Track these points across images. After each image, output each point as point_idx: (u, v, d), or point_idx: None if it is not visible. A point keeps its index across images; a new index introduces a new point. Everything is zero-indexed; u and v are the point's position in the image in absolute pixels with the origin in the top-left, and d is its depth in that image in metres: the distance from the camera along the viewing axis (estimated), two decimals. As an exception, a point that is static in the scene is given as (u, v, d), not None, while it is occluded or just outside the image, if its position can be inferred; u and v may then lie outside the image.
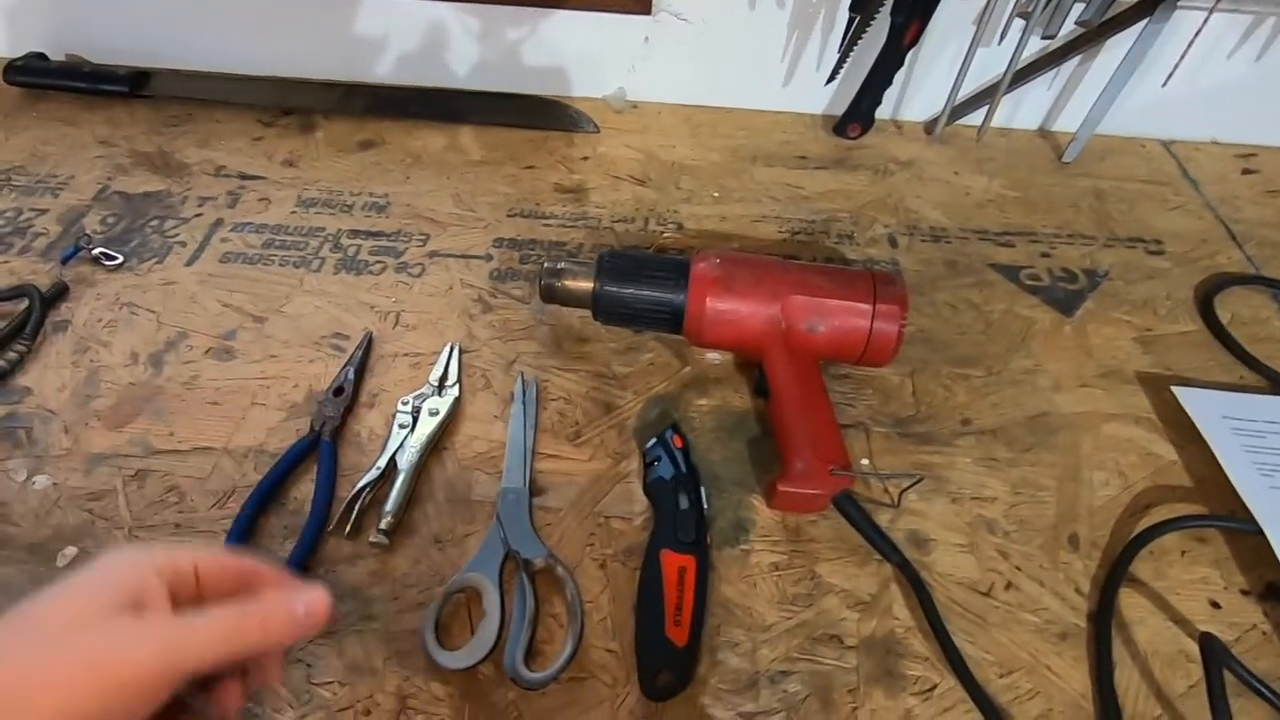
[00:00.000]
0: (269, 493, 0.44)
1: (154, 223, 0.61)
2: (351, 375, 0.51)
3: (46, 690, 0.23)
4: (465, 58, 0.74)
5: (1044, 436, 0.52)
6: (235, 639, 0.27)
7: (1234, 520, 0.46)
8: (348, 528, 0.43)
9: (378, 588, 0.41)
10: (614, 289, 0.51)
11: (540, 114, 0.74)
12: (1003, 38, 0.63)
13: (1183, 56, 0.65)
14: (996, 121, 0.78)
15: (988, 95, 0.73)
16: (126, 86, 0.71)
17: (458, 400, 0.50)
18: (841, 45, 0.63)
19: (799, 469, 0.44)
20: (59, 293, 0.54)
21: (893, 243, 0.65)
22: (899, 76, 0.72)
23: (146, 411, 0.48)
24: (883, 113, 0.77)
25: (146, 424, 0.48)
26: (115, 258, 0.57)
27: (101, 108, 0.71)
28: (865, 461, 0.49)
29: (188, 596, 0.28)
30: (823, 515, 0.46)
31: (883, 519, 0.46)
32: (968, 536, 0.46)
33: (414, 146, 0.70)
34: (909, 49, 0.64)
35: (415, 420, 0.48)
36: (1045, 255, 0.65)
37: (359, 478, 0.45)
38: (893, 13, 0.61)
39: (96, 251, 0.57)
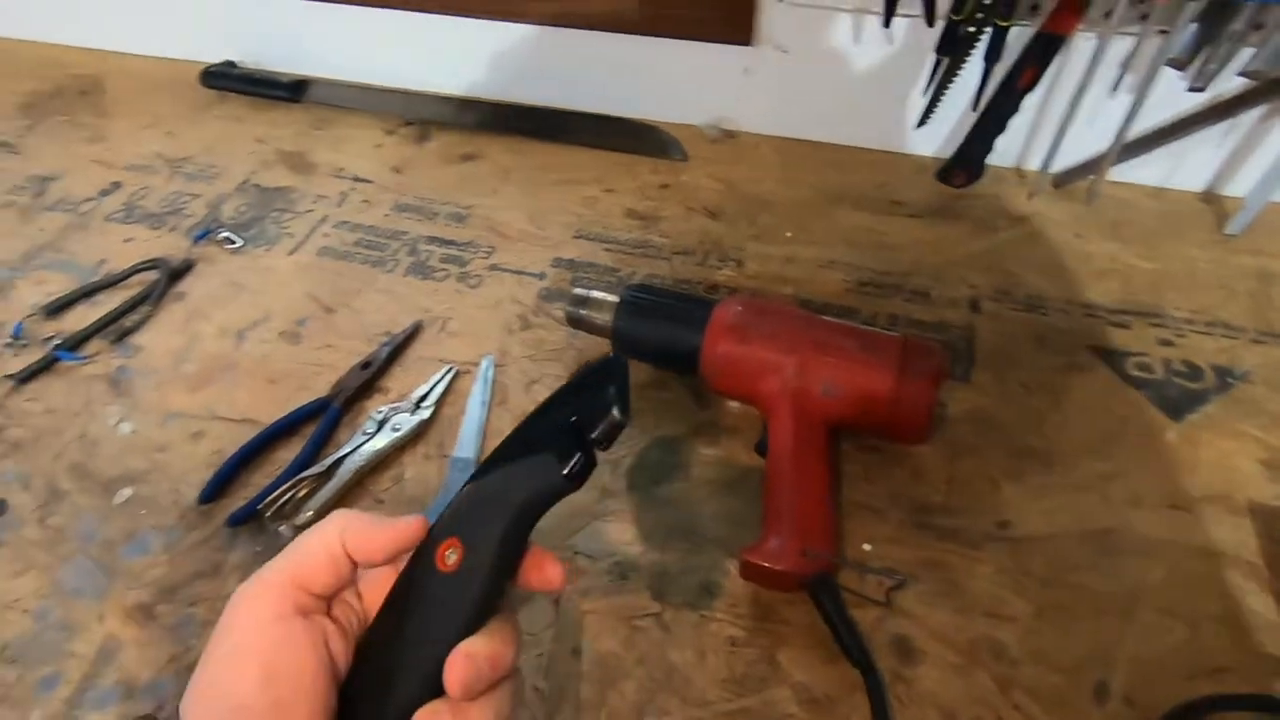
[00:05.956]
0: (263, 443, 0.50)
1: (275, 214, 0.69)
2: (385, 354, 0.55)
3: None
4: (572, 79, 0.77)
5: (1100, 558, 0.44)
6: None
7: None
8: (271, 510, 0.46)
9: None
10: (632, 324, 0.51)
11: (632, 137, 0.75)
12: (1140, 91, 0.54)
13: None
14: (1150, 180, 0.68)
15: (1138, 149, 0.63)
16: (287, 93, 0.81)
17: (425, 423, 0.51)
18: (927, 88, 0.58)
19: (771, 543, 0.41)
20: (185, 268, 0.64)
21: (974, 307, 0.58)
22: (1029, 120, 0.65)
23: (220, 381, 0.56)
24: (1005, 159, 0.69)
25: (217, 392, 0.55)
26: (236, 241, 0.66)
27: (267, 110, 0.82)
28: (867, 547, 0.45)
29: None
30: (802, 598, 0.43)
31: (869, 616, 0.42)
32: (966, 657, 0.40)
33: (508, 162, 0.74)
34: (1024, 94, 0.57)
35: (379, 430, 0.50)
36: (1166, 344, 0.55)
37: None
38: (985, 58, 0.54)
39: (222, 235, 0.66)
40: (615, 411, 0.27)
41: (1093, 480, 0.48)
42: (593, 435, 0.27)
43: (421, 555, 0.29)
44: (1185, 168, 0.66)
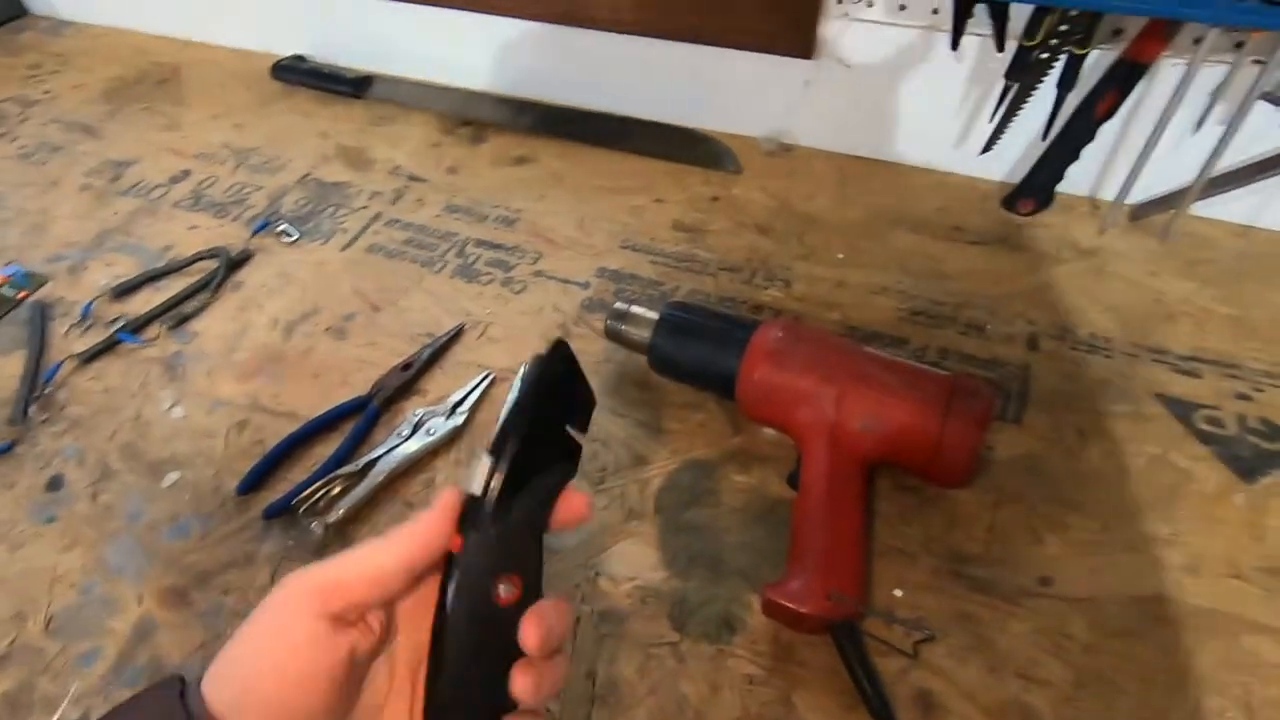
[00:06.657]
0: (302, 438, 0.51)
1: (331, 209, 0.71)
2: (425, 356, 0.56)
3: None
4: (628, 86, 0.76)
5: (1148, 626, 0.41)
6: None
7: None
8: (304, 506, 0.47)
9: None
10: (670, 343, 0.50)
11: (686, 147, 0.74)
12: (1231, 124, 0.51)
13: None
14: (1237, 217, 0.63)
15: (1225, 184, 0.59)
16: (351, 88, 0.83)
17: (459, 429, 0.51)
18: (994, 114, 0.55)
19: (796, 583, 0.40)
20: (244, 258, 0.66)
21: (1032, 344, 0.55)
22: (1105, 148, 0.61)
23: (266, 372, 0.57)
24: (1077, 188, 0.66)
25: (262, 383, 0.56)
26: (292, 235, 0.67)
27: (330, 104, 0.84)
28: (898, 593, 0.43)
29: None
30: (825, 640, 0.41)
31: (893, 665, 0.40)
32: (995, 718, 0.39)
33: (560, 167, 0.74)
34: (1101, 122, 0.54)
35: (414, 433, 0.51)
36: (1243, 397, 0.51)
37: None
38: (1059, 85, 0.51)
39: (280, 228, 0.68)
40: (591, 399, 0.32)
41: (1146, 541, 0.45)
42: (578, 429, 0.31)
43: (474, 591, 0.29)
44: (1277, 205, 0.62)
